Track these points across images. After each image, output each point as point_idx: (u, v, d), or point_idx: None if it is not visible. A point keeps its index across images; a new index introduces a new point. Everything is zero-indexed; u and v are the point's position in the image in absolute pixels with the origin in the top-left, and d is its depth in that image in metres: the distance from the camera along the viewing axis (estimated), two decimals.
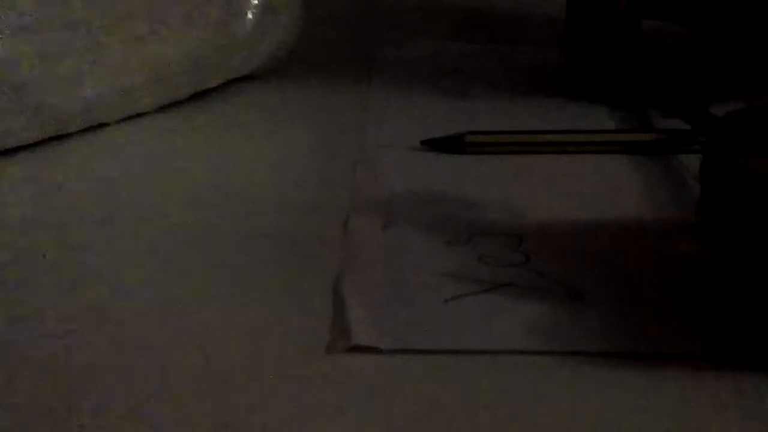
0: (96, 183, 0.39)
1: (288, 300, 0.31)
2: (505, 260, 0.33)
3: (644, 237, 0.35)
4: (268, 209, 0.37)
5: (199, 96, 0.47)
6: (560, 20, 0.51)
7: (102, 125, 0.44)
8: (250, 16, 0.48)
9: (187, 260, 0.34)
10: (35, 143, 0.42)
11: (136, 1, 0.43)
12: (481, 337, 0.29)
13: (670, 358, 0.28)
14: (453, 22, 0.62)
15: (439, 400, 0.26)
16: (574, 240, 0.35)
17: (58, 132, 0.42)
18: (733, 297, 0.29)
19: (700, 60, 0.47)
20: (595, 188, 0.39)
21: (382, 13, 0.64)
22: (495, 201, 0.38)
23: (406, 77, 0.52)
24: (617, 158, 0.42)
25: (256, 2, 0.48)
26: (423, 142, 0.43)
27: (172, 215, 0.37)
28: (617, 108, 0.47)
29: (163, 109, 0.46)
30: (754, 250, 0.27)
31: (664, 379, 0.27)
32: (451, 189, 0.39)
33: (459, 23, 0.62)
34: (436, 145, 0.43)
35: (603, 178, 0.40)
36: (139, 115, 0.45)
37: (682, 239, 0.35)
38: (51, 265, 0.33)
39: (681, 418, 0.26)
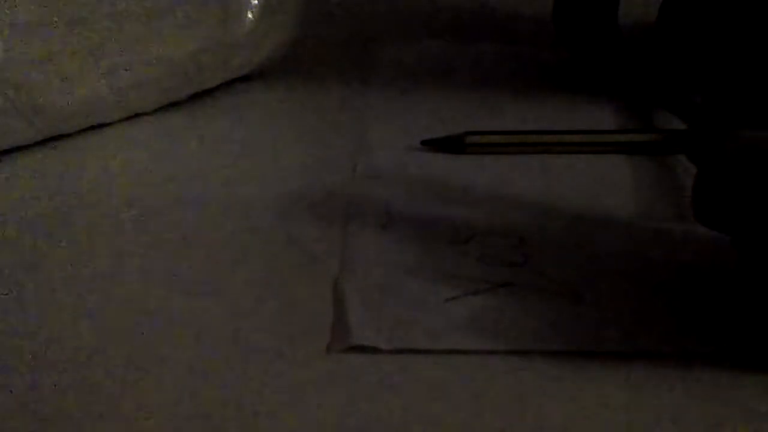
0: (96, 183, 0.39)
1: (288, 300, 0.31)
2: (505, 260, 0.33)
3: (644, 237, 0.35)
4: (268, 209, 0.37)
5: (199, 96, 0.47)
6: None
7: (102, 125, 0.44)
8: (250, 16, 0.47)
9: (187, 260, 0.34)
10: (35, 143, 0.42)
11: (137, 1, 0.43)
12: (480, 337, 0.29)
13: (670, 357, 0.28)
14: (451, 23, 0.62)
15: (439, 400, 0.26)
16: (574, 240, 0.35)
17: (57, 132, 0.42)
18: (737, 289, 0.29)
19: (683, 49, 0.47)
20: (596, 188, 0.39)
21: (382, 14, 0.64)
22: (495, 201, 0.38)
23: (405, 77, 0.52)
24: (617, 158, 0.42)
25: (256, 2, 0.48)
26: (423, 142, 0.43)
27: (171, 215, 0.37)
28: (609, 100, 0.47)
29: (163, 109, 0.46)
30: (756, 225, 0.27)
31: (665, 379, 0.27)
32: (451, 189, 0.39)
33: (458, 23, 0.62)
34: (436, 145, 0.43)
35: (603, 178, 0.40)
36: (139, 115, 0.45)
37: (681, 239, 0.35)
38: (50, 264, 0.33)
39: (682, 417, 0.26)
